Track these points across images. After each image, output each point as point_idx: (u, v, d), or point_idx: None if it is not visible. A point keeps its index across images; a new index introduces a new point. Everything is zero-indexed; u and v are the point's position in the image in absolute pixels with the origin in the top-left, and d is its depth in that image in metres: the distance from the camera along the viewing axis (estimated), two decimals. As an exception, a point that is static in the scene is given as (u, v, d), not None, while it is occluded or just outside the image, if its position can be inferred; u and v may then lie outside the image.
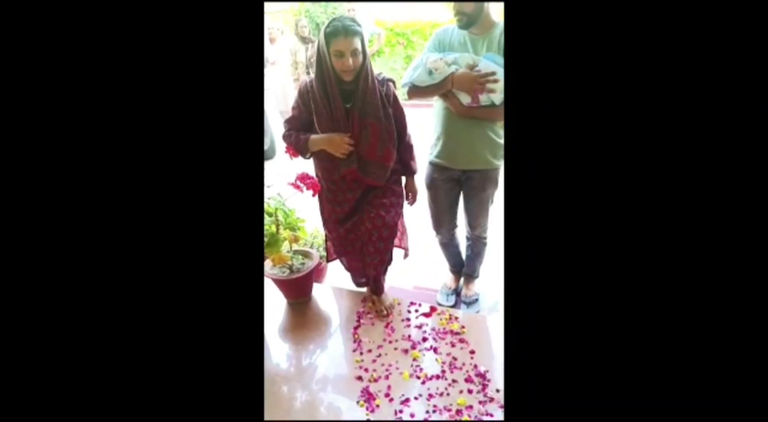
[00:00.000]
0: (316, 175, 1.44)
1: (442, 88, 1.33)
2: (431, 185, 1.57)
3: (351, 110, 1.28)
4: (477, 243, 1.69)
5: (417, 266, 2.00)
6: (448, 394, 1.20)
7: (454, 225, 1.69)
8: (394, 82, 1.38)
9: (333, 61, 1.19)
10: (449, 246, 1.76)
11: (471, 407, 1.16)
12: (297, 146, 1.35)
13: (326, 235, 1.61)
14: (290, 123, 1.39)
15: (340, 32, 1.15)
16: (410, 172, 1.49)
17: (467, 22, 1.28)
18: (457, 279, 1.83)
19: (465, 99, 1.32)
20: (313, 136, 1.33)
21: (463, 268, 1.80)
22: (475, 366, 1.28)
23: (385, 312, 1.52)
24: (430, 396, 1.20)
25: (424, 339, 1.41)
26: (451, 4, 1.29)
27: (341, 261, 1.63)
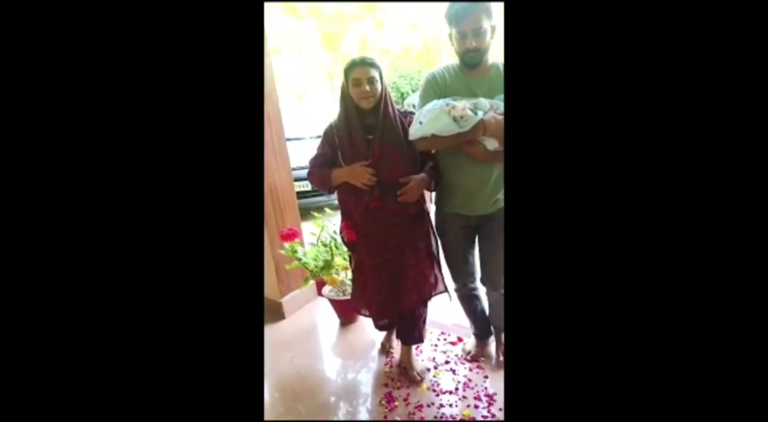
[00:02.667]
0: (342, 212, 1.50)
1: (472, 134, 1.22)
2: (445, 232, 1.50)
3: (372, 141, 1.34)
4: (500, 298, 1.55)
5: (456, 304, 1.76)
6: (456, 406, 1.41)
7: (473, 277, 1.56)
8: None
9: (352, 91, 1.30)
10: (470, 301, 1.60)
11: (474, 420, 1.35)
12: (321, 180, 1.42)
13: (354, 274, 1.59)
14: (315, 160, 1.46)
15: (357, 63, 1.29)
16: (428, 185, 1.41)
17: (479, 59, 1.27)
18: (482, 345, 1.66)
19: (492, 144, 1.24)
20: (336, 170, 1.39)
21: (489, 322, 1.65)
22: (486, 388, 1.47)
23: (418, 378, 1.56)
24: (441, 405, 1.41)
25: (446, 362, 1.63)
26: (461, 42, 1.25)
27: (361, 304, 1.63)
